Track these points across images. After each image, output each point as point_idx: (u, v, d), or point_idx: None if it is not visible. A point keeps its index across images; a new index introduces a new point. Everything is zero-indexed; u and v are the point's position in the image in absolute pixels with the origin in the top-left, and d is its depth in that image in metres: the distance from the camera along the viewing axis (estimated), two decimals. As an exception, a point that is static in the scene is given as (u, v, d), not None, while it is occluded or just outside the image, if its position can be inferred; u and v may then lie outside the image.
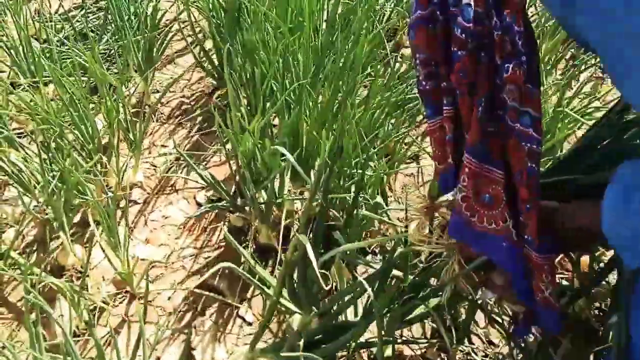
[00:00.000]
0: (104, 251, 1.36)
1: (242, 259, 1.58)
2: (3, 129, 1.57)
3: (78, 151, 1.59)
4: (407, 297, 1.14)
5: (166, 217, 1.70)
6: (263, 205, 1.47)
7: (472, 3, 0.79)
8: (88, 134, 1.64)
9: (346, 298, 1.13)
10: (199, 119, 2.03)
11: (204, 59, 2.19)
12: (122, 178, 1.69)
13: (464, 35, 0.80)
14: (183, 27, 2.25)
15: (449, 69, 0.84)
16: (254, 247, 1.58)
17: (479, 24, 0.79)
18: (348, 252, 1.20)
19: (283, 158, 1.49)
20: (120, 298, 1.49)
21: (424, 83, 0.90)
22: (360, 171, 1.30)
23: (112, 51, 2.11)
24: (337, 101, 1.45)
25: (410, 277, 1.13)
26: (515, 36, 0.76)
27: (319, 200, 1.13)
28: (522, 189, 0.81)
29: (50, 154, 1.52)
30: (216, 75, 2.08)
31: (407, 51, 2.32)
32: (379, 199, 1.32)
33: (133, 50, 1.96)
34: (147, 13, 2.10)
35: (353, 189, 1.36)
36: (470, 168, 0.83)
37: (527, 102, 0.79)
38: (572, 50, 2.17)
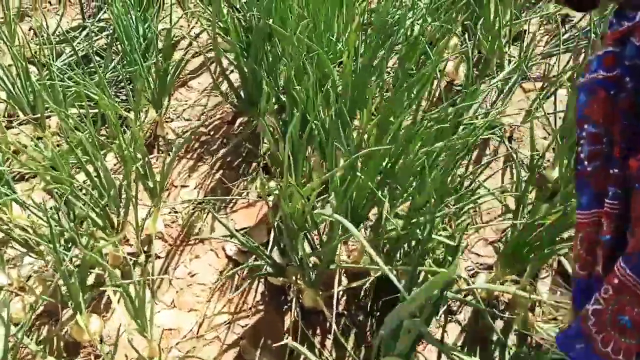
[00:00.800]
0: (119, 334, 1.15)
1: (286, 326, 1.38)
2: (3, 188, 1.35)
3: (91, 206, 1.37)
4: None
5: (193, 275, 1.49)
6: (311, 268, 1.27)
7: None
8: (100, 185, 1.42)
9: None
10: (221, 151, 1.81)
11: (221, 79, 1.98)
12: (142, 231, 1.47)
13: None
14: (202, 49, 2.04)
15: (628, 152, 0.63)
16: (298, 310, 1.37)
17: None
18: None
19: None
20: (147, 380, 1.29)
21: (585, 163, 0.70)
22: (433, 236, 1.09)
23: (120, 77, 1.89)
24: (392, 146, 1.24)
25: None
26: None
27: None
28: None
29: (59, 215, 1.31)
30: (236, 101, 1.86)
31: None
32: (454, 268, 1.11)
33: (144, 78, 1.74)
34: (157, 34, 1.88)
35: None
36: (620, 280, 0.65)
37: None
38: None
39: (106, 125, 1.78)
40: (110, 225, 1.41)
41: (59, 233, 1.30)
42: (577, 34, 2.15)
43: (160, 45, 1.90)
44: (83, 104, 1.55)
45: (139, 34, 1.82)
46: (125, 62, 1.83)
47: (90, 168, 1.44)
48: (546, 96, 1.68)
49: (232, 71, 2.00)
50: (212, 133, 1.88)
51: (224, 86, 1.99)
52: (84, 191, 1.45)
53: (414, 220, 1.18)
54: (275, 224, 1.47)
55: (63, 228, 1.28)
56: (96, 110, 1.68)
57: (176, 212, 1.63)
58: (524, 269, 1.36)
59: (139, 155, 1.43)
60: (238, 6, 1.78)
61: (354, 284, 1.27)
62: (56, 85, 1.69)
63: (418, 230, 1.12)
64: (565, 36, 2.14)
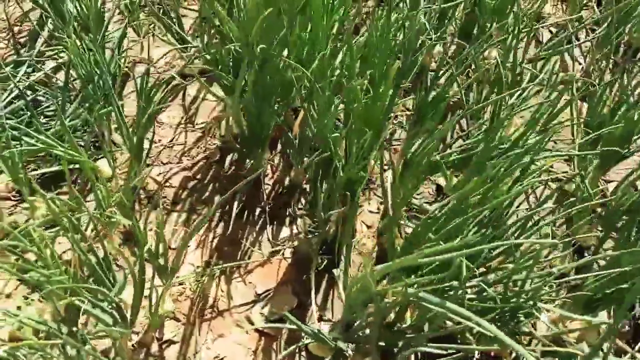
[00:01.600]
0: None
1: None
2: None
3: (97, 304, 1.10)
4: None
5: (220, 359, 1.26)
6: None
7: None
8: (100, 268, 1.15)
9: None
10: (216, 198, 1.57)
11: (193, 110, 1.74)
12: (155, 315, 1.22)
13: None
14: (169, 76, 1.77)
15: None
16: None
17: None
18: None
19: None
20: None
21: None
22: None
23: (80, 121, 1.58)
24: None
25: None
26: None
27: None
28: None
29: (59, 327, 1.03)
30: (223, 135, 1.62)
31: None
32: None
33: (121, 123, 1.46)
34: (121, 67, 1.59)
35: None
36: None
37: None
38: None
39: (78, 185, 1.50)
40: (121, 316, 1.15)
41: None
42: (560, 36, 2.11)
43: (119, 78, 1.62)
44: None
45: (101, 70, 1.52)
46: (87, 104, 1.54)
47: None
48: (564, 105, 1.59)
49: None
50: (199, 177, 1.63)
51: (200, 119, 1.75)
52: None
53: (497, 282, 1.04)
54: (313, 288, 1.29)
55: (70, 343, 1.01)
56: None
57: (182, 282, 1.38)
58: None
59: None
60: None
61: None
62: (8, 143, 1.37)
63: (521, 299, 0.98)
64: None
